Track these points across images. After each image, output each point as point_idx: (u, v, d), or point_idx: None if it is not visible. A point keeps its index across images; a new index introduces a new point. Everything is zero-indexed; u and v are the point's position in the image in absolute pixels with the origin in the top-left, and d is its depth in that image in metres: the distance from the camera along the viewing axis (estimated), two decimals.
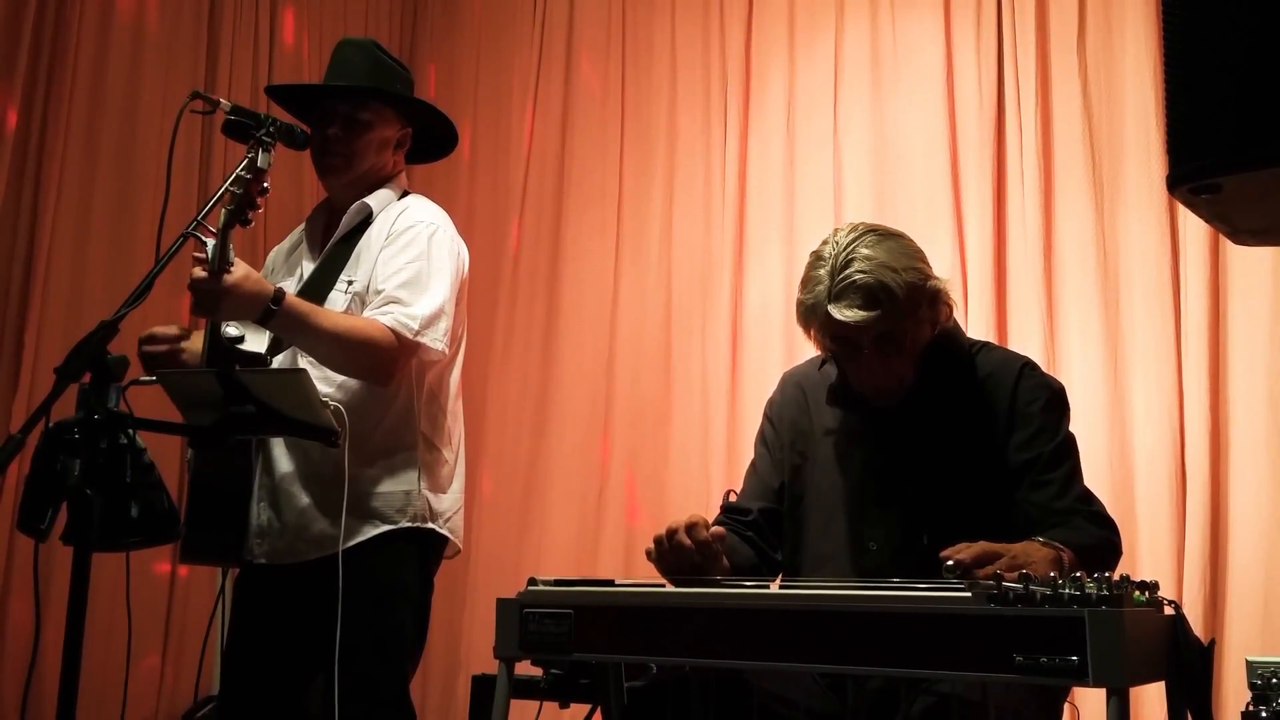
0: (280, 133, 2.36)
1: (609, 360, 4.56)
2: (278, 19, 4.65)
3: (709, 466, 4.24)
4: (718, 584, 1.93)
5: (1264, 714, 2.34)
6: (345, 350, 2.40)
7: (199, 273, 2.24)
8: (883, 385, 2.16)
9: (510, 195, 4.93)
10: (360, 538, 2.45)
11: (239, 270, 2.26)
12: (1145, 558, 3.49)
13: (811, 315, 2.09)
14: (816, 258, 2.12)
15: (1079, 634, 1.46)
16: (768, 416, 2.40)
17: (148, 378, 2.30)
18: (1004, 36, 3.99)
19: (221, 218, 2.24)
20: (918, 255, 2.13)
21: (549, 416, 4.63)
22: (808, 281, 2.11)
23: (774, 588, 2.05)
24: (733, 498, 2.38)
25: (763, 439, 2.39)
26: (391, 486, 2.50)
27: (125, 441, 1.86)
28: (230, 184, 2.25)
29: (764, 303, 4.28)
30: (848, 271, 2.05)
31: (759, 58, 4.49)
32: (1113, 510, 3.44)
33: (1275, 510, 3.33)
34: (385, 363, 2.43)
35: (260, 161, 2.26)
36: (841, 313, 2.04)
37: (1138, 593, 1.59)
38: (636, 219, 4.64)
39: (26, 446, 1.84)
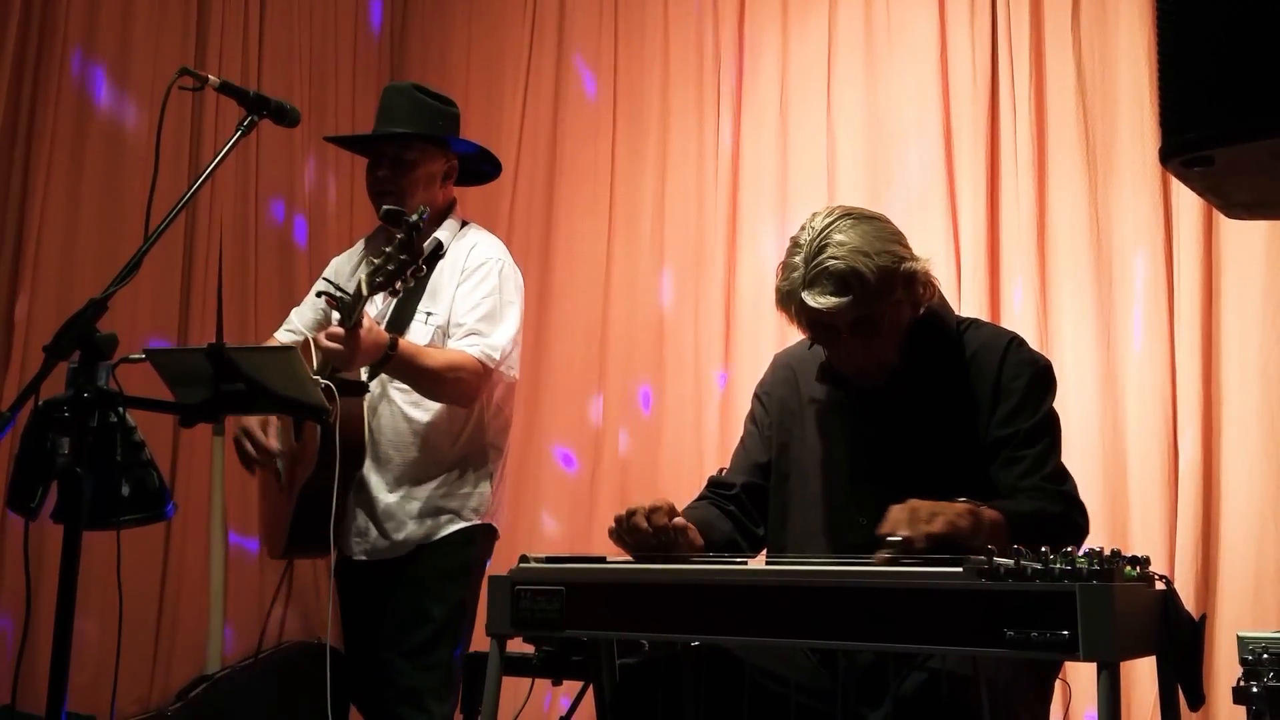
0: (273, 111, 2.37)
1: (601, 340, 4.55)
2: None
3: (702, 447, 4.23)
4: (685, 560, 1.98)
5: (1255, 689, 2.35)
6: (445, 384, 2.79)
7: (335, 330, 2.52)
8: (864, 367, 2.17)
9: (502, 175, 4.89)
10: (442, 533, 2.87)
11: (365, 322, 2.54)
12: (1137, 533, 3.50)
13: (788, 301, 2.11)
14: (794, 244, 2.12)
15: (1070, 608, 1.46)
16: (758, 396, 2.42)
17: (137, 355, 2.29)
18: (998, 13, 3.97)
19: (365, 283, 2.49)
20: (894, 238, 2.12)
21: (541, 397, 4.62)
22: (784, 268, 2.12)
23: (755, 564, 2.07)
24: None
25: (752, 418, 2.40)
26: (468, 489, 2.91)
27: (115, 420, 1.85)
28: (395, 256, 2.50)
29: (757, 282, 4.26)
30: (821, 258, 2.05)
31: (751, 36, 4.46)
32: (1105, 487, 3.52)
33: (1267, 486, 3.34)
34: (473, 390, 2.85)
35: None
36: (815, 299, 2.05)
37: (1129, 568, 1.59)
38: (629, 199, 4.63)
39: (16, 425, 1.83)
